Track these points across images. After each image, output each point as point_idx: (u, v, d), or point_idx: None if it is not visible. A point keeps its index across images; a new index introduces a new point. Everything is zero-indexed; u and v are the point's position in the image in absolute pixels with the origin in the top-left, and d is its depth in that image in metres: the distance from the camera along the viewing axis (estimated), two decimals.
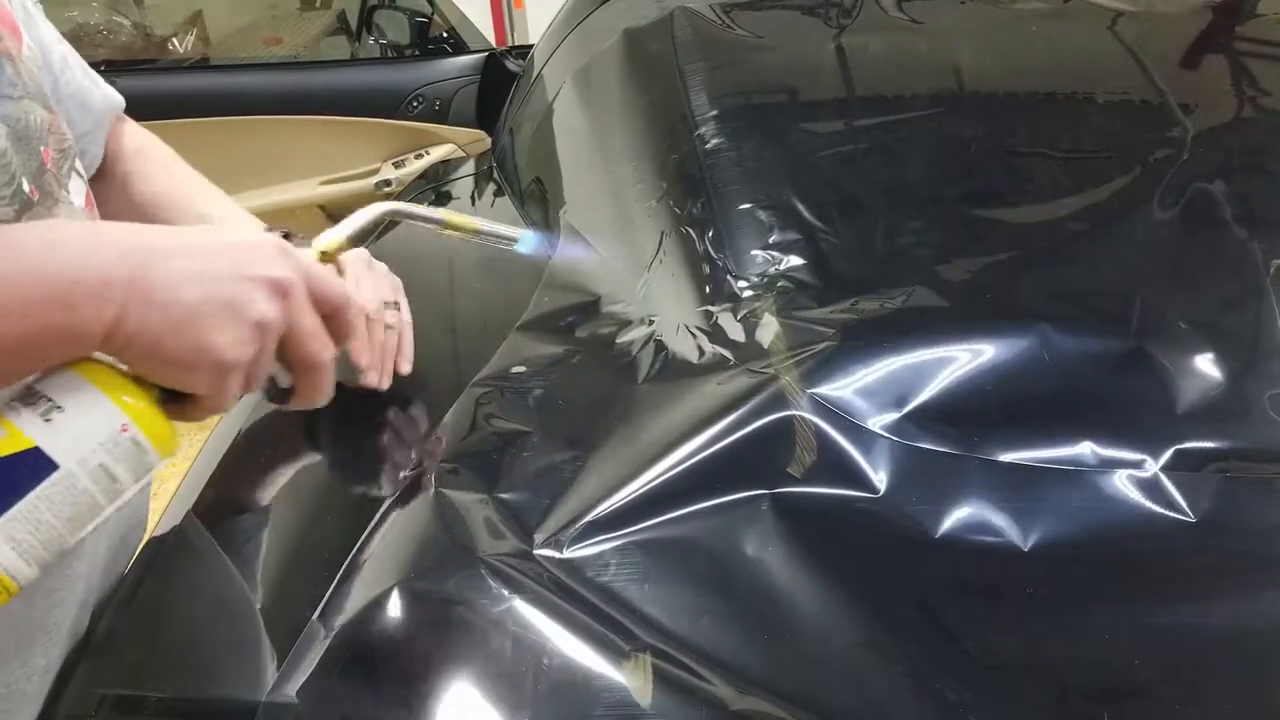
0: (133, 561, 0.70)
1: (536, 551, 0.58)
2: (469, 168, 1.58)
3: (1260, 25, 1.13)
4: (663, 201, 0.94)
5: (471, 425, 0.71)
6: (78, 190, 0.63)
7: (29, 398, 0.46)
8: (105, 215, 0.72)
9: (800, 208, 0.84)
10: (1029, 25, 1.15)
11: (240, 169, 2.15)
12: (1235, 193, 0.80)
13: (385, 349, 0.77)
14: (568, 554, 0.58)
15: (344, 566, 0.59)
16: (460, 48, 2.30)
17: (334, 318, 0.55)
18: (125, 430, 0.47)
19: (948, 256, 0.78)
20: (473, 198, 1.39)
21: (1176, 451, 0.59)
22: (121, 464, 0.47)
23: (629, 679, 0.50)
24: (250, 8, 2.67)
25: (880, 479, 0.59)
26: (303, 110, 2.15)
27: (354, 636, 0.53)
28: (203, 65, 2.39)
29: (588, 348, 0.79)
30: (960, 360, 0.64)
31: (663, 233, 0.88)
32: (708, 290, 0.79)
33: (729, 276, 0.79)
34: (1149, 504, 0.57)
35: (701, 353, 0.72)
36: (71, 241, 0.45)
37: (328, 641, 0.53)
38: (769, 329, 0.71)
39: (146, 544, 0.71)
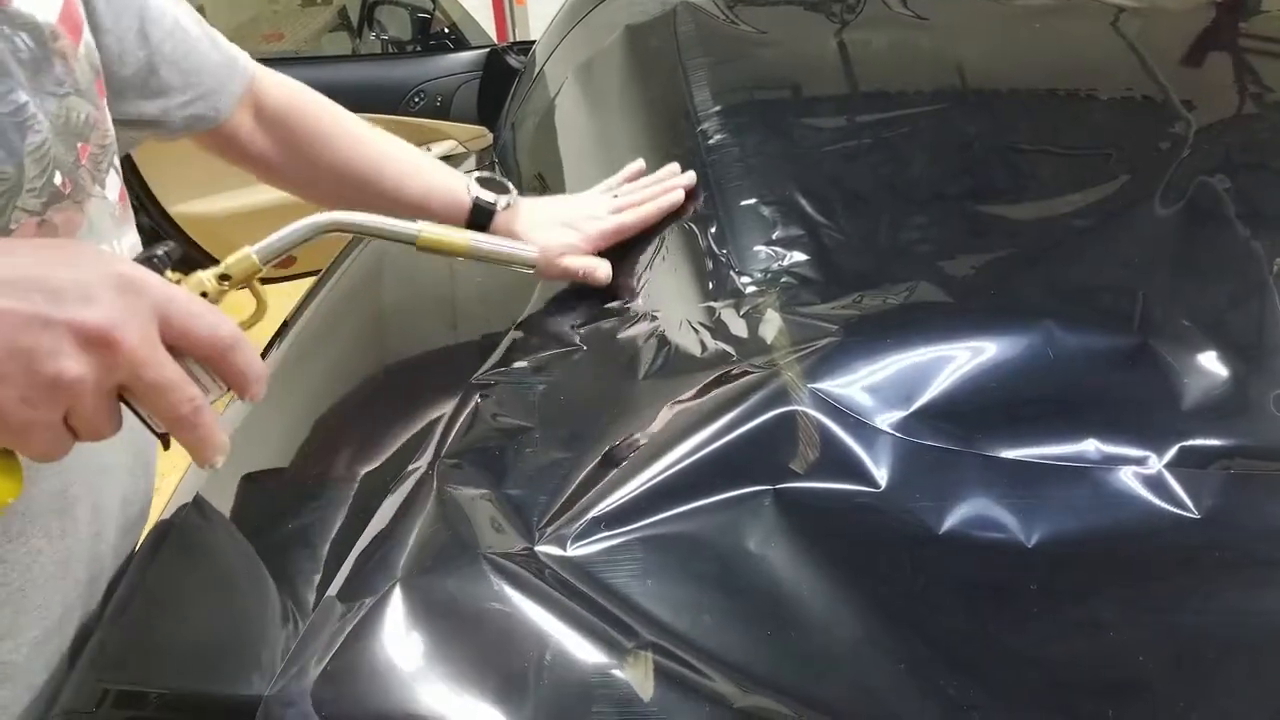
0: (141, 542, 0.70)
1: (538, 548, 0.58)
2: (470, 164, 1.58)
3: (1263, 21, 1.12)
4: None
5: (474, 421, 0.71)
6: (113, 185, 0.64)
7: None
8: (300, 181, 0.80)
9: (803, 203, 0.83)
10: (1032, 21, 1.15)
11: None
12: (1239, 189, 0.80)
13: None
14: (570, 550, 0.57)
15: (345, 562, 0.59)
16: (462, 43, 2.30)
17: (216, 362, 0.48)
18: None
19: (951, 252, 0.78)
20: None
21: (1181, 448, 0.59)
22: None
23: (630, 675, 0.50)
24: (251, 3, 2.67)
25: (883, 475, 0.59)
26: None
27: (355, 633, 0.53)
28: None
29: (590, 343, 0.78)
30: (964, 356, 0.64)
31: (665, 228, 0.88)
32: (710, 286, 0.79)
33: (732, 272, 0.79)
34: (1153, 500, 0.57)
35: (704, 348, 0.71)
36: None
37: (329, 638, 0.53)
38: (772, 325, 0.71)
39: (155, 526, 0.71)
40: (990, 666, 0.52)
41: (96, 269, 0.44)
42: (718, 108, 0.99)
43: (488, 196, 0.85)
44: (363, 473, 0.71)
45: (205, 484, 0.73)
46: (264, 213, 1.88)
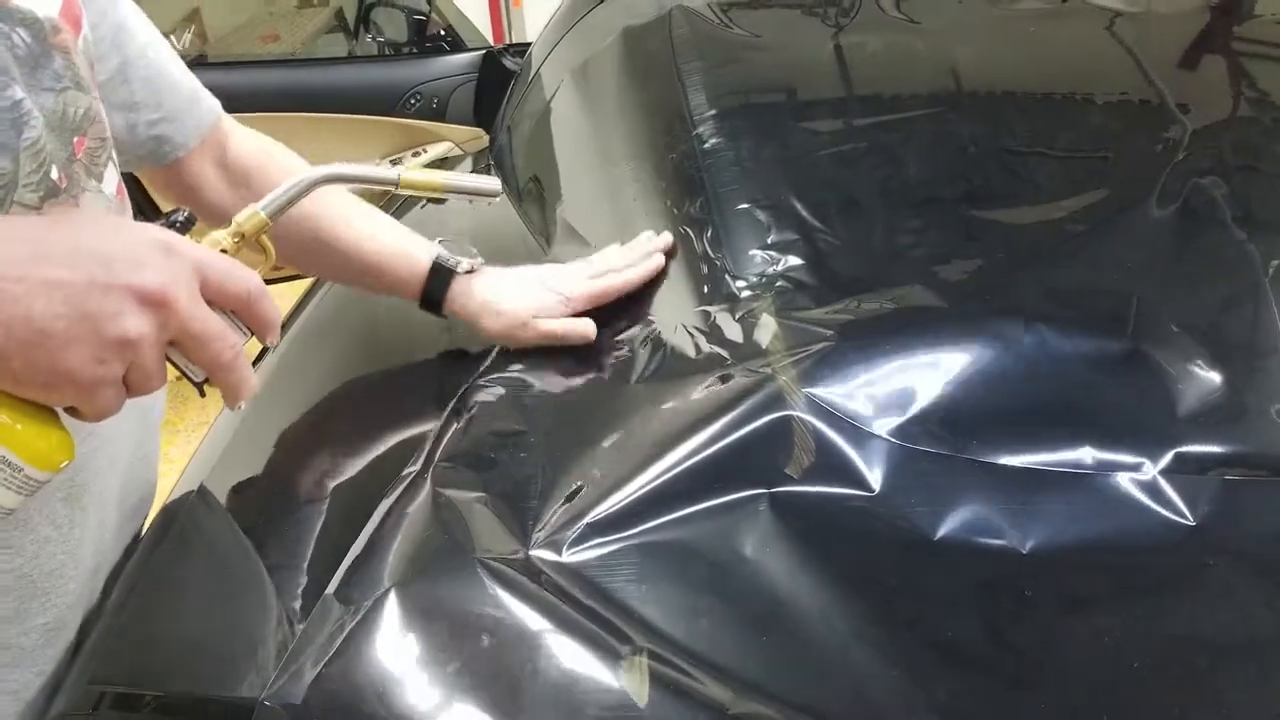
0: (144, 530, 0.70)
1: (533, 552, 0.58)
2: (466, 165, 1.58)
3: (1258, 25, 1.13)
4: (660, 201, 0.93)
5: (469, 425, 0.71)
6: (110, 180, 0.64)
7: None
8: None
9: (798, 207, 0.84)
10: (1027, 25, 1.15)
11: None
12: (1234, 193, 0.80)
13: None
14: (565, 555, 0.57)
15: (340, 567, 0.59)
16: (458, 45, 2.29)
17: (244, 312, 0.52)
18: None
19: (946, 257, 0.78)
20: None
21: (1176, 454, 0.59)
22: None
23: (625, 680, 0.50)
24: (248, 5, 2.66)
25: (878, 480, 0.59)
26: (300, 108, 2.14)
27: (351, 636, 0.53)
28: (200, 62, 2.37)
29: (585, 347, 0.79)
30: (958, 361, 0.64)
31: (660, 232, 0.88)
32: (706, 290, 0.79)
33: (727, 276, 0.79)
34: (1149, 506, 0.57)
35: (699, 352, 0.72)
36: None
37: (324, 642, 0.53)
38: (767, 329, 0.71)
39: (157, 517, 0.72)
40: (984, 672, 0.52)
41: (137, 235, 0.48)
42: (713, 111, 0.99)
43: (447, 258, 0.81)
44: (356, 476, 0.71)
45: (205, 482, 0.74)
46: None
